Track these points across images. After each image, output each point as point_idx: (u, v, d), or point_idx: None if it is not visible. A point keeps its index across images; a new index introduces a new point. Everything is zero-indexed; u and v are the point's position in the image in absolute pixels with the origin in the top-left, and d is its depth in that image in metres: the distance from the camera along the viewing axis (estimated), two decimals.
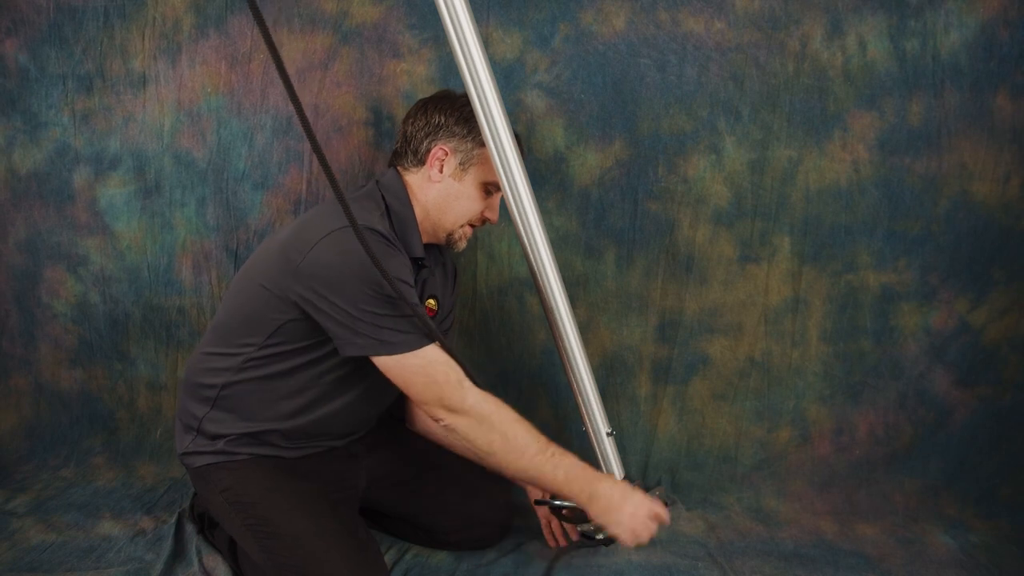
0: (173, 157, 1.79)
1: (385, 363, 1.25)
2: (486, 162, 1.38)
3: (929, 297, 1.76)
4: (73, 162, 1.81)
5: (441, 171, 1.38)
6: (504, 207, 1.43)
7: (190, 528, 1.56)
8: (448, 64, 1.70)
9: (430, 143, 1.38)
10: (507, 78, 1.70)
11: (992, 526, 1.67)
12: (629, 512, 1.31)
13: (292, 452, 1.41)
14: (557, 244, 1.73)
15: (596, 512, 1.31)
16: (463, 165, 1.38)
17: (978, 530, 1.66)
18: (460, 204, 1.40)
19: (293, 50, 1.73)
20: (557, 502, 1.45)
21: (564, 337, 1.52)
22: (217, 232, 1.81)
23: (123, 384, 1.89)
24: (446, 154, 1.37)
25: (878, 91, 1.68)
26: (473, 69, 1.32)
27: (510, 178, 1.39)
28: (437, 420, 1.28)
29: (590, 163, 1.74)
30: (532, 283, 1.49)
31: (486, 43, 1.66)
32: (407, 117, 1.42)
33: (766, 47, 1.68)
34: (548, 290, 1.48)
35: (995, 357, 1.77)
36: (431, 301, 1.49)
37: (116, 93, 1.78)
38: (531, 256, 1.45)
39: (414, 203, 1.39)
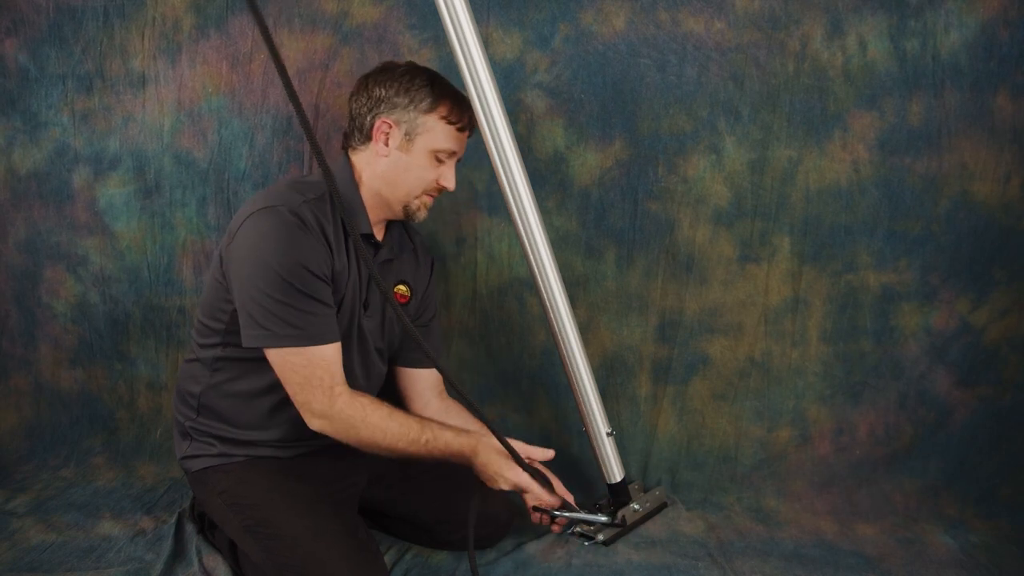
0: (173, 157, 1.79)
1: (271, 355, 1.27)
2: (433, 129, 1.35)
3: (930, 297, 1.76)
4: (73, 162, 1.81)
5: (387, 144, 1.36)
6: (504, 206, 1.43)
7: (190, 528, 1.56)
8: (448, 64, 1.69)
9: (373, 118, 1.35)
10: (507, 78, 1.70)
11: (992, 526, 1.67)
12: (494, 471, 1.38)
13: (287, 452, 1.41)
14: (557, 244, 1.73)
15: (478, 472, 1.38)
16: (409, 136, 1.35)
17: (978, 530, 1.66)
18: (411, 175, 1.37)
19: (293, 50, 1.73)
20: (555, 512, 1.48)
21: (564, 337, 1.52)
22: (218, 232, 1.81)
23: (123, 384, 1.89)
24: (390, 127, 1.35)
25: (878, 91, 1.68)
26: (473, 69, 1.33)
27: (510, 178, 1.39)
28: (307, 423, 1.30)
29: (590, 163, 1.74)
30: (532, 283, 1.49)
31: (486, 43, 1.66)
32: (351, 95, 1.39)
33: (766, 47, 1.68)
34: (548, 290, 1.48)
35: (996, 357, 1.77)
36: (401, 287, 1.49)
37: (116, 93, 1.78)
38: (531, 256, 1.45)
39: (360, 183, 1.38)
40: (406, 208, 1.40)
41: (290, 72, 1.74)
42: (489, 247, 1.79)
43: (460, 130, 1.38)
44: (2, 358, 1.91)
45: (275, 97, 1.76)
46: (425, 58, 1.71)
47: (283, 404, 1.36)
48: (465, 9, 1.30)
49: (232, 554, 1.44)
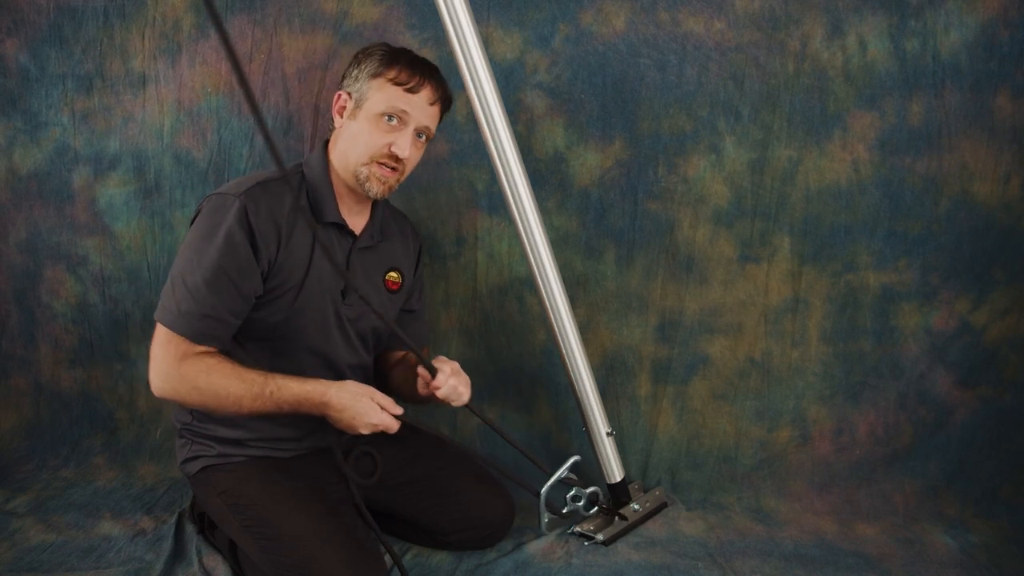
0: (173, 157, 1.79)
1: None
2: (378, 91, 1.33)
3: (930, 297, 1.76)
4: (73, 162, 1.81)
5: (342, 116, 1.38)
6: (504, 206, 1.43)
7: (190, 528, 1.56)
8: (448, 64, 1.69)
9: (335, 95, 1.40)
10: (507, 78, 1.70)
11: (992, 526, 1.67)
12: (350, 416, 1.30)
13: (285, 452, 1.41)
14: (557, 244, 1.73)
15: (334, 421, 1.31)
16: (358, 103, 1.35)
17: (978, 530, 1.66)
18: (359, 140, 1.34)
19: (293, 50, 1.73)
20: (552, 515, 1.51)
21: (564, 337, 1.52)
22: None
23: (123, 384, 1.89)
24: (344, 99, 1.37)
25: (878, 91, 1.68)
26: (473, 69, 1.33)
27: (510, 178, 1.40)
28: (152, 389, 1.28)
29: (590, 163, 1.74)
30: (532, 283, 1.49)
31: (486, 43, 1.66)
32: None
33: (766, 47, 1.68)
34: (548, 290, 1.48)
35: (996, 357, 1.77)
36: (393, 274, 1.49)
37: (116, 93, 1.78)
38: (531, 256, 1.45)
39: (332, 169, 1.39)
40: (357, 178, 1.36)
41: (289, 72, 1.74)
42: (489, 247, 1.79)
43: (410, 91, 1.33)
44: (2, 358, 1.91)
45: (275, 97, 1.76)
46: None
47: None
48: (465, 9, 1.30)
49: (232, 554, 1.45)
